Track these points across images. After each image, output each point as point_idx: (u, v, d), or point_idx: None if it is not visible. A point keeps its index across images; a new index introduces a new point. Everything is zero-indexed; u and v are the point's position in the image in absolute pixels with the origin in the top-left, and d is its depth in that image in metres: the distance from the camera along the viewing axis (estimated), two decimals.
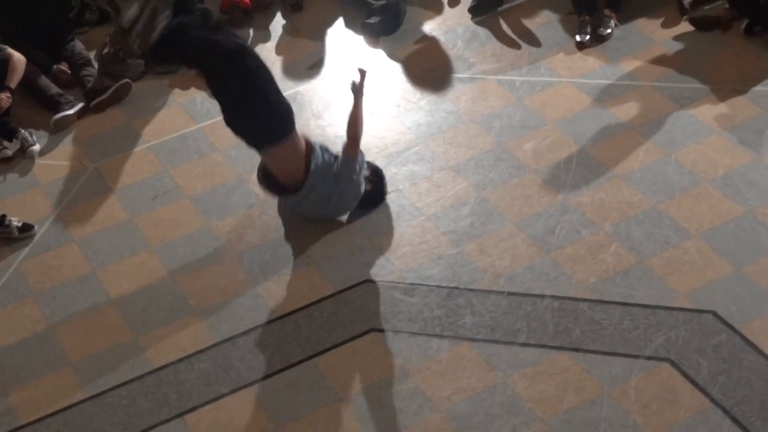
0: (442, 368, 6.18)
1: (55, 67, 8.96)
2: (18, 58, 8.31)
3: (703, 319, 6.23)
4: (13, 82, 8.26)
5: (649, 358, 6.04)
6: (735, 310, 6.26)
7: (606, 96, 8.16)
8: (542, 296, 6.53)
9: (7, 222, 7.48)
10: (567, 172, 7.47)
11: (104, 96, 8.73)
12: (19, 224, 7.51)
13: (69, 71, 9.04)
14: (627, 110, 7.97)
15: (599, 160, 7.53)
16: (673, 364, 5.99)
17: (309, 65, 9.02)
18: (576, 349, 6.15)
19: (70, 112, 8.62)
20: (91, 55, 9.24)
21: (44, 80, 8.81)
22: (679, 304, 6.35)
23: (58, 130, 8.55)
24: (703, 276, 6.54)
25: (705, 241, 6.77)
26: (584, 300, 6.47)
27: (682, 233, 6.86)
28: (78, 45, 9.27)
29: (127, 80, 8.86)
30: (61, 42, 9.18)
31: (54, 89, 8.76)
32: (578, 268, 6.70)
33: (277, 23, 9.71)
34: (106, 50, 9.18)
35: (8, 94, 8.21)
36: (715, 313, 6.26)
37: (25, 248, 7.39)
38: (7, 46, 8.32)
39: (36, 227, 7.55)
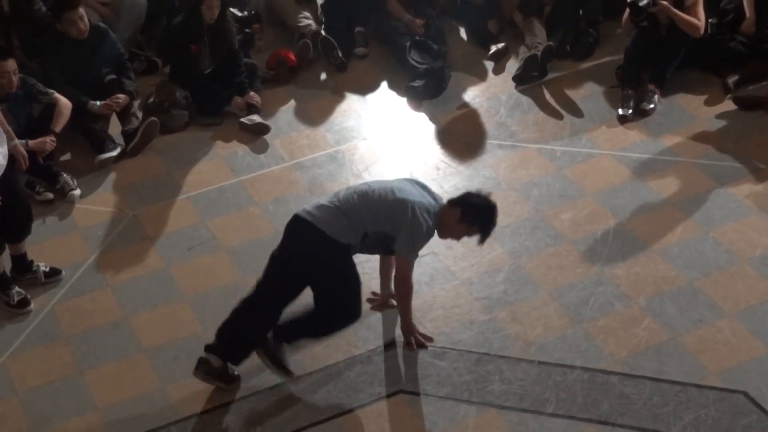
0: None
1: (99, 103, 8.76)
2: (64, 102, 8.34)
3: (734, 399, 6.19)
4: (58, 126, 8.27)
5: None
6: (767, 391, 6.21)
7: (646, 170, 8.17)
8: (573, 367, 6.50)
9: (35, 267, 7.52)
10: (603, 244, 7.45)
11: (135, 140, 8.79)
12: (47, 269, 7.55)
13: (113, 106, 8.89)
14: (666, 185, 7.97)
15: (636, 234, 7.52)
16: None
17: (351, 125, 9.07)
18: (604, 422, 6.11)
19: (114, 153, 8.70)
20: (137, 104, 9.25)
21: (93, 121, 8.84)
22: (710, 383, 6.31)
23: (99, 168, 8.61)
24: (736, 356, 6.50)
25: (739, 321, 6.74)
26: (615, 373, 6.43)
27: (716, 311, 6.82)
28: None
29: (153, 119, 8.86)
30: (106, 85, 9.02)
31: (101, 131, 8.85)
32: (610, 341, 6.67)
33: (322, 82, 9.78)
34: (151, 100, 9.23)
35: (53, 138, 8.18)
36: (746, 394, 6.21)
37: (60, 291, 7.42)
38: (54, 91, 8.36)
39: (63, 272, 7.57)
